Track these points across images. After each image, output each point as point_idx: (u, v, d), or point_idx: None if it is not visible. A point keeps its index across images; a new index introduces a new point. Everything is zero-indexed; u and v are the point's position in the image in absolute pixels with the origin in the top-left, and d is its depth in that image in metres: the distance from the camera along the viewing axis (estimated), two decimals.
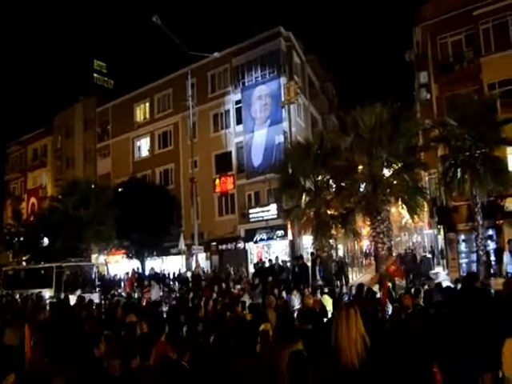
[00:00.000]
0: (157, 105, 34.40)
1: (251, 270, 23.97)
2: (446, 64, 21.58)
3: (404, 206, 15.91)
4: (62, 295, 16.29)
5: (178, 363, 4.48)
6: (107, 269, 27.27)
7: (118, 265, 30.14)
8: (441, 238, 25.68)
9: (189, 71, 24.11)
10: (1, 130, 74.84)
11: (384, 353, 3.45)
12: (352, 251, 35.57)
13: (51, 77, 50.64)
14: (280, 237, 26.18)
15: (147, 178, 32.14)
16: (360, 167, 16.17)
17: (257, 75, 28.26)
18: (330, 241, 18.01)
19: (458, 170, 15.68)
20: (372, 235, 16.43)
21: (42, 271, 20.99)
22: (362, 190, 16.09)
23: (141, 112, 35.78)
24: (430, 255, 26.14)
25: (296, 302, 11.46)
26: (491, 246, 18.14)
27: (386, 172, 16.06)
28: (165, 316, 8.86)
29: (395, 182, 15.64)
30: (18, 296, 17.89)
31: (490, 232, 18.76)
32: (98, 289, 20.40)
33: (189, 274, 21.52)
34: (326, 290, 12.59)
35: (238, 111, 28.92)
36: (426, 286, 11.78)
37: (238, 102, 29.01)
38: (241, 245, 27.76)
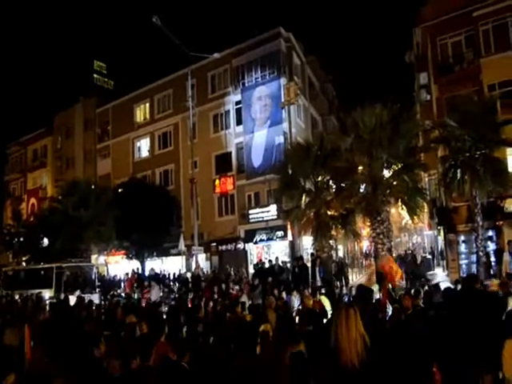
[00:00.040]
0: (157, 105, 34.41)
1: (251, 270, 23.96)
2: (445, 65, 21.60)
3: (404, 206, 15.91)
4: (62, 296, 16.29)
5: (177, 364, 4.48)
6: (107, 269, 27.30)
7: (118, 265, 30.13)
8: (441, 238, 25.69)
9: (189, 72, 24.13)
10: (1, 130, 74.79)
11: (384, 353, 3.45)
12: (352, 252, 35.60)
13: (51, 77, 50.79)
14: (280, 237, 26.19)
15: (147, 178, 32.13)
16: (360, 168, 16.17)
17: (257, 76, 28.28)
18: (330, 241, 18.01)
19: (458, 170, 15.68)
20: (372, 236, 16.43)
21: (42, 272, 20.98)
22: (362, 190, 16.09)
23: (141, 112, 35.80)
24: (429, 256, 26.15)
25: (296, 303, 11.45)
26: (491, 246, 18.14)
27: (386, 173, 16.07)
28: (164, 316, 8.85)
29: (395, 183, 15.64)
30: (17, 296, 17.89)
31: (490, 233, 18.76)
32: (98, 289, 20.40)
33: (189, 275, 21.52)
34: (323, 290, 12.56)
35: (238, 112, 28.93)
36: (426, 287, 11.78)
37: (238, 103, 29.03)
38: (241, 245, 27.76)
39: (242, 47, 28.88)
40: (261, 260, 24.09)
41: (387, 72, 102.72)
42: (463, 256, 20.16)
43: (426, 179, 24.76)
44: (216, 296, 14.27)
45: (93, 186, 26.98)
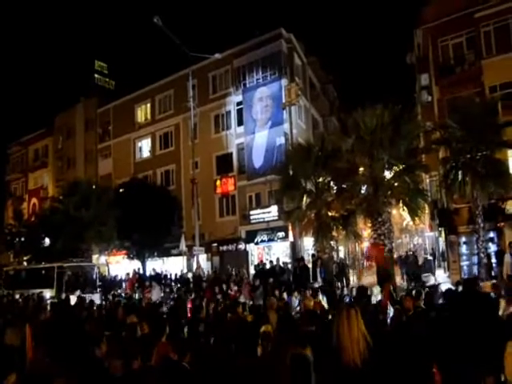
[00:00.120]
0: (158, 106, 34.45)
1: (252, 271, 23.97)
2: (447, 66, 21.60)
3: (405, 208, 15.90)
4: (63, 295, 16.31)
5: (178, 364, 4.49)
6: (108, 269, 27.30)
7: (119, 265, 30.14)
8: (442, 240, 25.65)
9: (190, 72, 24.14)
10: (2, 130, 74.93)
11: (385, 353, 3.46)
12: (353, 253, 35.54)
13: (52, 77, 50.96)
14: (281, 238, 26.18)
15: (148, 178, 32.17)
16: (361, 169, 16.17)
17: (258, 77, 28.29)
18: (331, 242, 17.99)
19: (459, 172, 15.68)
20: (373, 237, 16.41)
21: (43, 271, 21.00)
22: (363, 191, 16.09)
23: (142, 113, 35.84)
24: (431, 257, 26.11)
25: (297, 304, 11.45)
26: (492, 248, 18.14)
27: (387, 174, 16.07)
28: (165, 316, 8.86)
29: (396, 184, 15.64)
30: (18, 296, 17.91)
31: (491, 234, 18.76)
32: (99, 289, 20.42)
33: (190, 275, 21.53)
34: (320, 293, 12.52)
35: (239, 112, 28.95)
36: (427, 288, 11.78)
37: (239, 104, 29.05)
38: (242, 246, 27.76)
39: (243, 48, 28.90)
40: (262, 261, 24.11)
41: (388, 73, 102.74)
42: (464, 257, 20.15)
43: (427, 180, 24.74)
44: (219, 296, 14.29)
45: (94, 186, 27.02)
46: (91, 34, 76.21)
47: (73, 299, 14.25)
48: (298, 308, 10.24)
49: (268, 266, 19.56)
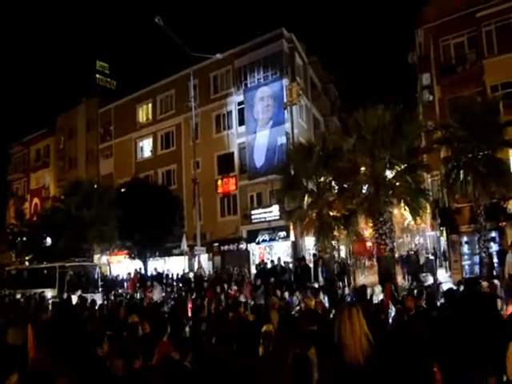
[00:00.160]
0: (159, 106, 34.47)
1: (253, 270, 23.97)
2: (448, 66, 21.58)
3: (406, 207, 15.85)
4: (65, 295, 16.32)
5: (180, 363, 4.50)
6: (109, 269, 27.31)
7: (121, 265, 30.19)
8: (443, 239, 25.62)
9: (191, 72, 24.13)
10: (4, 130, 75.07)
11: (387, 351, 3.46)
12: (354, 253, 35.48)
13: (54, 78, 51.05)
14: (282, 238, 26.18)
15: (150, 178, 32.20)
16: (362, 169, 16.13)
17: (259, 76, 28.29)
18: (332, 242, 17.98)
19: (461, 171, 15.66)
20: (374, 237, 16.39)
21: (45, 271, 20.99)
22: (364, 191, 16.06)
23: (143, 113, 35.87)
24: (432, 257, 26.08)
25: (297, 304, 11.44)
26: (494, 247, 18.10)
27: (389, 174, 16.02)
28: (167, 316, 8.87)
29: (398, 184, 15.61)
30: (20, 296, 17.92)
31: (493, 234, 18.73)
32: (100, 289, 20.43)
33: (191, 275, 21.54)
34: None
35: (241, 112, 28.96)
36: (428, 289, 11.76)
37: (240, 103, 29.06)
38: (243, 246, 27.76)
39: (244, 48, 28.91)
40: (263, 260, 24.08)
41: (390, 73, 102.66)
42: (466, 257, 20.12)
43: (429, 180, 24.72)
44: (222, 297, 14.30)
45: (95, 186, 27.03)
46: (93, 34, 76.38)
47: (74, 299, 14.27)
48: (298, 307, 10.22)
49: (269, 265, 19.55)
